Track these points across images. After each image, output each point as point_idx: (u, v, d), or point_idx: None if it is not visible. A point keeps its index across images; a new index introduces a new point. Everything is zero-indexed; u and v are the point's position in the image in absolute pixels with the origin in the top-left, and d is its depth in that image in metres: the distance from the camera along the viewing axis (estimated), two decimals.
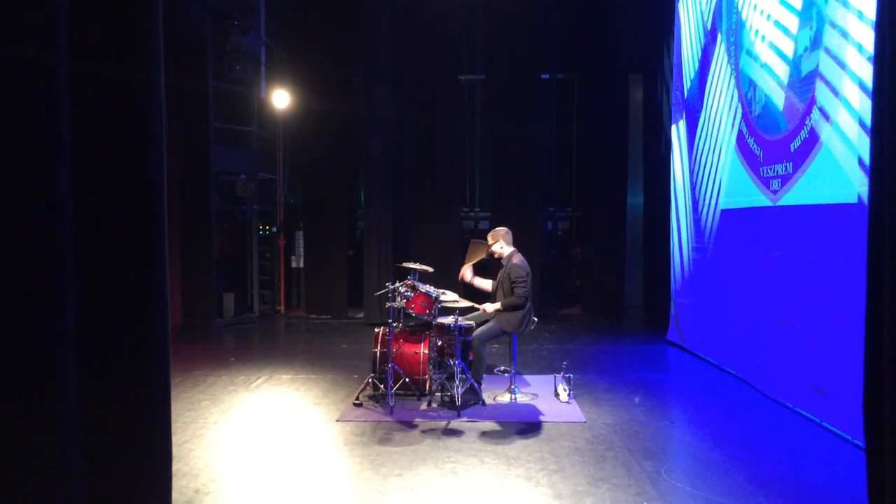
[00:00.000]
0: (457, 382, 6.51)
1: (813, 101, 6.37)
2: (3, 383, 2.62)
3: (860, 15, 5.59)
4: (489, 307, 6.94)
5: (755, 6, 7.62)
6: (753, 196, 7.62)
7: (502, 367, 7.65)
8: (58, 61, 2.70)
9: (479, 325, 6.97)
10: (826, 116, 6.14)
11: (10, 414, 2.64)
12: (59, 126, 2.71)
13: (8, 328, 2.61)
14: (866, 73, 5.39)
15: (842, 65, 5.89)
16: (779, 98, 7.07)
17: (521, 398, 6.99)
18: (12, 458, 2.64)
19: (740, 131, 8.01)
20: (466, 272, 7.30)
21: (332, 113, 12.12)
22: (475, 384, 6.72)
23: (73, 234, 2.80)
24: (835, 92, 6.00)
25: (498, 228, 7.21)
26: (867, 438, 3.60)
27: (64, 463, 2.77)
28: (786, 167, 6.89)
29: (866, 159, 4.97)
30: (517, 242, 7.23)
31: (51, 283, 2.70)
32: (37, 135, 2.65)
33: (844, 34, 5.85)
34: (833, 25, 6.02)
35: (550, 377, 7.32)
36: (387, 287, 6.95)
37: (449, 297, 7.13)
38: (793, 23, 6.77)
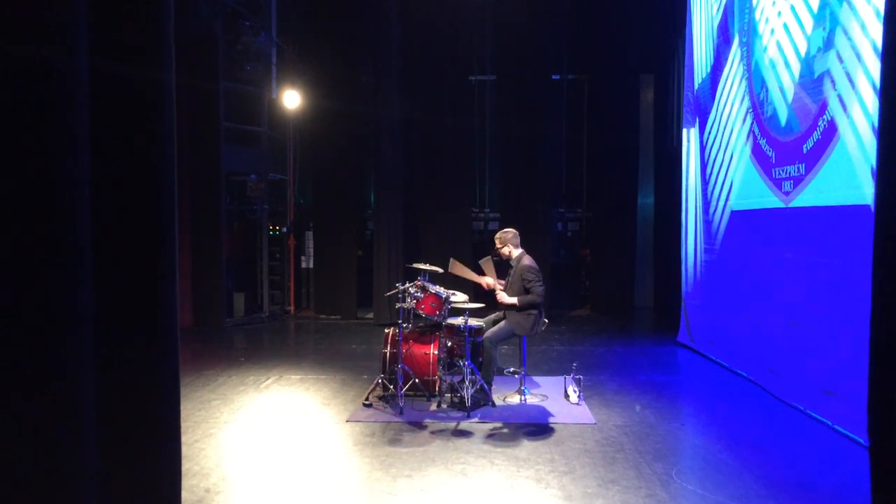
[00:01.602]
0: (466, 383, 6.51)
1: (825, 102, 6.34)
2: (27, 383, 2.63)
3: (877, 13, 5.56)
4: (505, 298, 6.86)
5: (768, 6, 7.58)
6: (765, 197, 7.59)
7: (512, 369, 7.64)
8: (78, 62, 2.71)
9: (489, 326, 6.96)
10: (839, 118, 6.11)
11: (32, 414, 2.65)
12: (78, 127, 2.73)
13: (29, 329, 2.62)
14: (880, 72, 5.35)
15: (855, 65, 5.86)
16: (791, 99, 7.04)
17: (531, 399, 6.98)
18: (33, 460, 2.66)
19: (752, 132, 7.97)
20: (501, 294, 6.97)
21: (342, 113, 12.13)
22: (485, 385, 6.71)
23: (90, 233, 2.81)
24: (848, 93, 5.97)
25: (506, 231, 7.16)
26: (871, 439, 3.58)
27: (82, 464, 2.78)
28: (798, 168, 6.85)
29: None
30: (526, 243, 7.20)
31: (69, 283, 2.71)
32: (57, 135, 2.67)
33: (858, 34, 5.81)
34: (847, 25, 5.99)
35: (560, 378, 7.31)
36: (397, 287, 6.96)
37: (459, 297, 7.11)
38: (806, 23, 6.73)
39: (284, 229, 13.45)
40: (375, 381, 6.98)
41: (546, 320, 7.16)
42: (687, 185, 10.23)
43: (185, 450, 3.61)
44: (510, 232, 7.13)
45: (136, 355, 3.06)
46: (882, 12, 5.34)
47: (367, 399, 6.79)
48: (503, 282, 7.10)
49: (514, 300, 6.80)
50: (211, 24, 11.24)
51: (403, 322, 6.85)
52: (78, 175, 2.74)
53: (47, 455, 2.68)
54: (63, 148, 2.68)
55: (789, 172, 7.04)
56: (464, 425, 6.17)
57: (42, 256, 2.65)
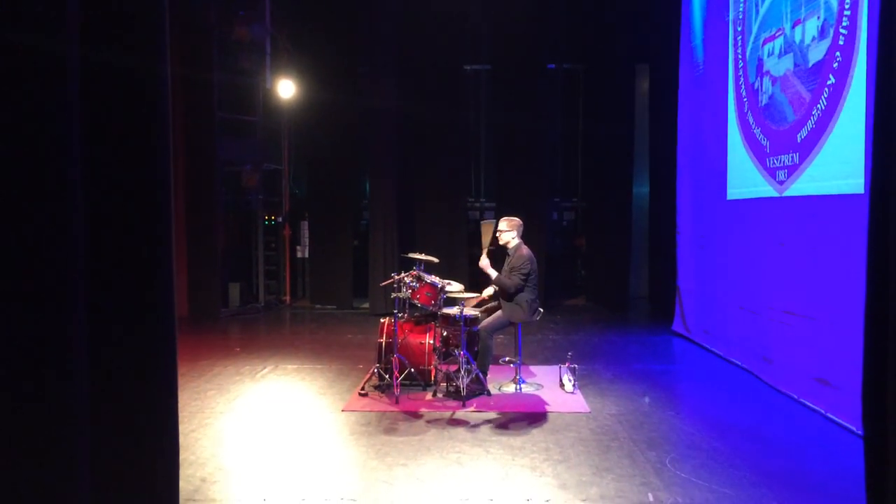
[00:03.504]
0: (462, 373, 6.52)
1: (820, 92, 6.35)
2: (20, 374, 2.63)
3: (868, 2, 5.56)
4: (486, 264, 6.93)
5: None
6: (760, 187, 7.60)
7: (507, 358, 7.66)
8: (69, 53, 2.70)
9: (485, 315, 6.98)
10: (833, 106, 6.12)
11: (26, 402, 2.65)
12: (71, 117, 2.72)
13: (22, 320, 2.62)
14: (874, 61, 5.36)
15: (850, 54, 5.86)
16: (786, 88, 7.05)
17: (527, 388, 7.00)
18: (26, 451, 2.66)
19: (747, 121, 7.98)
20: (484, 260, 7.05)
21: (337, 103, 12.09)
22: (480, 374, 6.73)
23: (83, 225, 2.80)
24: (842, 82, 5.98)
25: (515, 217, 7.19)
26: (865, 425, 3.61)
27: (77, 452, 2.78)
28: (792, 158, 6.87)
29: None
30: (523, 233, 7.21)
31: (63, 275, 2.71)
32: (49, 125, 2.66)
33: (853, 22, 5.82)
34: (840, 14, 6.00)
35: (555, 368, 7.33)
36: (392, 277, 6.97)
37: (454, 287, 7.13)
38: (800, 12, 6.73)
39: (280, 219, 13.44)
40: (371, 371, 7.00)
41: (541, 309, 7.19)
42: (682, 174, 10.24)
43: (180, 440, 3.62)
44: (519, 220, 7.14)
45: (132, 345, 3.06)
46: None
47: (362, 388, 6.81)
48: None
49: (492, 271, 6.88)
50: (205, 13, 11.19)
51: (399, 312, 6.86)
52: (71, 165, 2.73)
53: (41, 443, 2.68)
54: (56, 138, 2.67)
55: (783, 161, 7.06)
56: (459, 414, 6.19)
57: (35, 246, 2.64)
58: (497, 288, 6.94)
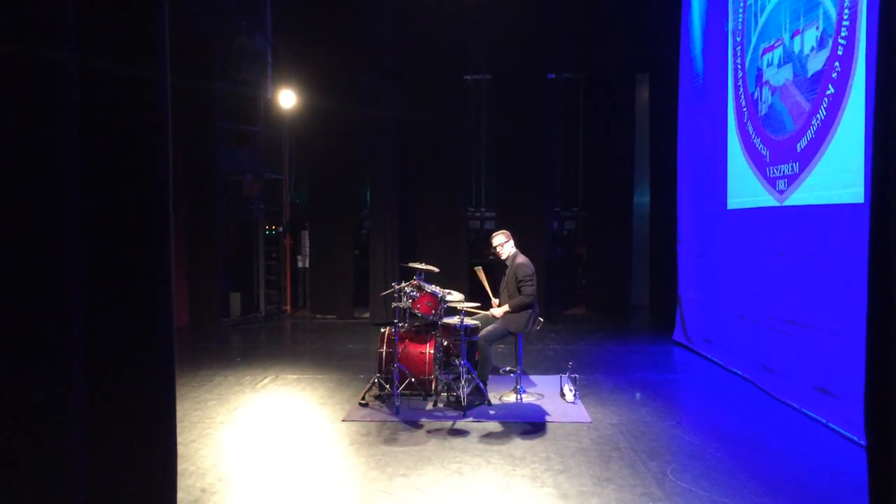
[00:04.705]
0: (462, 382, 6.52)
1: (819, 101, 6.36)
2: (17, 383, 2.63)
3: (866, 13, 5.58)
4: (497, 311, 6.95)
5: (761, 5, 7.61)
6: (760, 196, 7.61)
7: (508, 367, 7.65)
8: (68, 61, 2.71)
9: (484, 325, 6.98)
10: (832, 116, 6.13)
11: (24, 413, 2.65)
12: (68, 128, 2.72)
13: (20, 329, 2.62)
14: (872, 71, 5.37)
15: (849, 63, 5.88)
16: (785, 98, 7.06)
17: (527, 398, 6.99)
18: (22, 461, 2.66)
19: (746, 131, 7.99)
20: (497, 310, 7.03)
21: (338, 113, 12.11)
22: (481, 384, 6.72)
23: (81, 234, 2.81)
24: (841, 91, 5.99)
25: (505, 230, 7.28)
26: (868, 436, 3.60)
27: (74, 462, 2.78)
28: (792, 167, 6.88)
29: None
30: (523, 242, 7.24)
31: (61, 282, 2.71)
32: (46, 137, 2.66)
33: (852, 32, 5.84)
34: (839, 24, 6.01)
35: (556, 377, 7.32)
36: (392, 287, 6.96)
37: (455, 297, 7.12)
38: (799, 22, 6.76)
39: (280, 229, 13.45)
40: (372, 381, 6.98)
41: (541, 319, 7.19)
42: (682, 184, 10.25)
43: (181, 450, 3.62)
44: (506, 232, 7.19)
45: (131, 354, 3.06)
46: (870, 12, 5.38)
47: (363, 398, 6.79)
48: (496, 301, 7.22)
49: (505, 308, 6.86)
50: (206, 23, 11.23)
51: (399, 321, 6.85)
52: (71, 174, 2.74)
53: (38, 452, 2.68)
54: (55, 147, 2.68)
55: (783, 171, 7.07)
56: (460, 424, 6.18)
57: (33, 254, 2.65)
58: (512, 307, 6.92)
